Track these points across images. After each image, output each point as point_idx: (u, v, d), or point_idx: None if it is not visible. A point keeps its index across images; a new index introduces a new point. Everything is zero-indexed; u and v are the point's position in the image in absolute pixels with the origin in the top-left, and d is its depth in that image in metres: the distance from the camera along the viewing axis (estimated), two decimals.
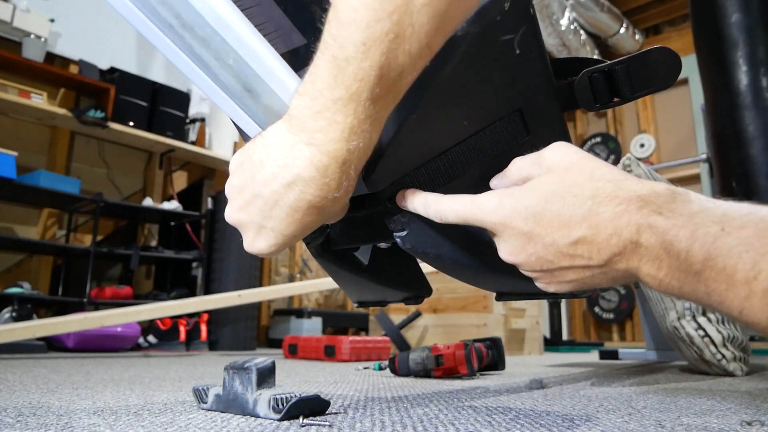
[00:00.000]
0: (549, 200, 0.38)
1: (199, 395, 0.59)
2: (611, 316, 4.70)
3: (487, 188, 0.50)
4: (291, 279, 3.66)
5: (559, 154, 0.40)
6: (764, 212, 0.34)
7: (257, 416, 0.51)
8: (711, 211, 0.35)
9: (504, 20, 0.46)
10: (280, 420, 0.50)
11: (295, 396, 0.51)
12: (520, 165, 0.42)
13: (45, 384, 0.88)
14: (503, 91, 0.48)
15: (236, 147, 3.40)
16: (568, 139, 0.51)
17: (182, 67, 0.46)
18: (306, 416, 0.51)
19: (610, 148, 4.92)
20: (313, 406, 0.53)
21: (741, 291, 0.32)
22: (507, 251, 0.41)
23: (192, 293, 2.95)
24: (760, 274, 0.31)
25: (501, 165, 0.50)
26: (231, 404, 0.54)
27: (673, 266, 0.35)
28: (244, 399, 0.53)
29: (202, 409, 0.58)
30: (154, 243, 3.17)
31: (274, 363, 0.54)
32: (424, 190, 0.47)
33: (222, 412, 0.56)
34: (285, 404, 0.50)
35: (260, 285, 3.22)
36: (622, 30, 4.57)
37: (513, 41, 0.47)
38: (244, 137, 0.53)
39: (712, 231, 0.33)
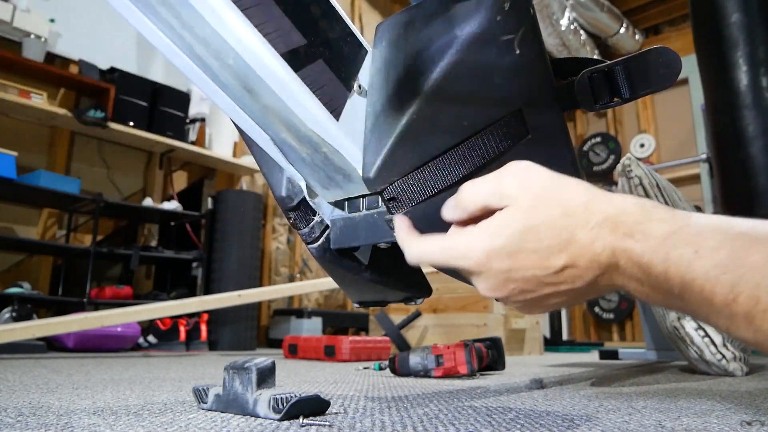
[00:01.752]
0: (523, 237, 0.37)
1: (199, 395, 0.59)
2: (611, 316, 4.70)
3: None
4: (291, 279, 3.66)
5: (519, 183, 0.38)
6: (738, 228, 0.33)
7: (257, 416, 0.51)
8: (683, 231, 0.34)
9: (504, 20, 0.46)
10: (280, 420, 0.50)
11: (295, 396, 0.51)
12: (474, 193, 0.40)
13: (45, 384, 0.88)
14: (503, 91, 0.48)
15: (236, 147, 3.40)
16: (568, 140, 0.51)
17: (182, 67, 0.46)
18: (306, 416, 0.51)
19: (610, 148, 4.92)
20: (313, 406, 0.53)
21: (723, 313, 0.32)
22: (486, 289, 0.39)
23: (192, 293, 2.95)
24: (739, 296, 0.31)
25: (501, 165, 0.50)
26: (231, 404, 0.55)
27: (655, 286, 0.35)
28: (244, 399, 0.53)
29: (202, 409, 0.58)
30: (154, 243, 3.17)
31: (274, 363, 0.54)
32: (425, 191, 0.47)
33: (222, 412, 0.56)
34: (285, 404, 0.50)
35: (260, 285, 3.23)
36: (622, 30, 4.57)
37: (513, 41, 0.47)
38: (244, 137, 0.53)
39: (686, 254, 0.33)
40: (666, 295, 0.34)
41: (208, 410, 0.57)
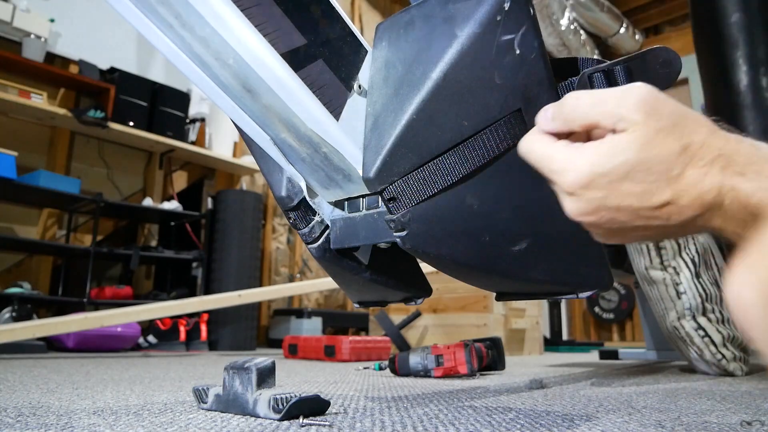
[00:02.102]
0: (633, 168, 0.34)
1: (199, 395, 0.59)
2: (611, 316, 4.70)
3: (488, 189, 0.50)
4: (291, 279, 3.66)
5: (646, 108, 0.35)
6: None
7: (257, 416, 0.51)
8: None
9: (504, 20, 0.46)
10: (280, 420, 0.50)
11: (295, 396, 0.51)
12: (587, 105, 0.37)
13: (45, 384, 0.88)
14: (503, 91, 0.48)
15: (236, 147, 3.40)
16: None
17: (182, 67, 0.46)
18: (306, 416, 0.51)
19: None
20: (313, 406, 0.53)
21: None
22: (576, 211, 0.37)
23: (192, 293, 2.95)
24: None
25: (501, 165, 0.50)
26: (231, 404, 0.55)
27: (759, 229, 0.32)
28: (244, 399, 0.53)
29: (202, 409, 0.58)
30: (154, 243, 3.17)
31: (274, 363, 0.54)
32: (425, 191, 0.47)
33: (222, 412, 0.56)
34: (285, 404, 0.50)
35: (260, 285, 3.23)
36: (622, 30, 4.57)
37: (513, 41, 0.47)
38: (244, 137, 0.53)
39: None
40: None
41: (208, 410, 0.57)
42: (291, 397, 0.50)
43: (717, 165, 0.34)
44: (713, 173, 0.34)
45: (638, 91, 0.36)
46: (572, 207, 0.37)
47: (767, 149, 0.35)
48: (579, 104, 0.37)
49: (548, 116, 0.39)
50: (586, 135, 0.38)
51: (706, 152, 0.34)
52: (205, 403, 0.58)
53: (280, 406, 0.50)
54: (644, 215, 0.36)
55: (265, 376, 0.53)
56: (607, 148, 0.35)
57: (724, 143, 0.34)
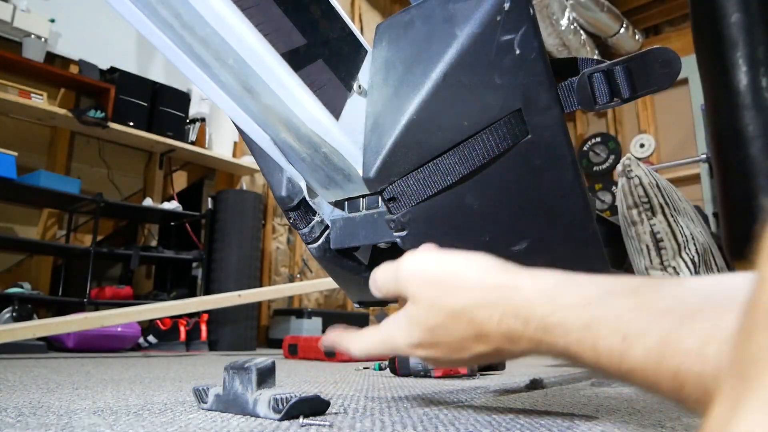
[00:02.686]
0: (433, 333, 0.39)
1: (199, 395, 0.59)
2: None
3: (488, 189, 0.50)
4: (291, 279, 3.66)
5: (414, 278, 0.40)
6: (660, 304, 0.30)
7: (257, 416, 0.51)
8: (602, 316, 0.31)
9: (504, 20, 0.46)
10: (280, 420, 0.50)
11: (295, 396, 0.51)
12: (384, 280, 0.43)
13: (45, 384, 0.88)
14: (503, 91, 0.48)
15: (236, 147, 3.40)
16: (568, 140, 0.51)
17: (182, 67, 0.46)
18: (306, 416, 0.51)
19: (610, 148, 4.92)
20: (313, 406, 0.53)
21: (673, 398, 0.29)
22: (425, 359, 0.42)
23: (192, 293, 2.95)
24: (685, 385, 0.28)
25: (501, 165, 0.50)
26: (231, 404, 0.55)
27: (593, 369, 0.33)
28: (244, 399, 0.53)
29: (203, 409, 0.58)
30: (154, 243, 3.17)
31: (274, 363, 0.54)
32: (425, 191, 0.47)
33: (222, 412, 0.56)
34: (285, 404, 0.50)
35: (260, 285, 3.22)
36: (622, 30, 4.57)
37: (513, 41, 0.47)
38: (244, 137, 0.53)
39: (615, 345, 0.30)
40: (606, 375, 0.33)
41: (209, 410, 0.57)
42: (291, 397, 0.50)
43: (515, 323, 0.35)
44: (516, 329, 0.35)
45: (404, 263, 0.41)
46: (421, 357, 0.42)
47: (552, 284, 0.35)
48: (382, 277, 0.43)
49: (372, 285, 0.44)
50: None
51: (493, 308, 0.36)
52: (206, 403, 0.58)
53: (280, 406, 0.50)
54: (476, 358, 0.39)
55: (265, 376, 0.53)
56: (405, 322, 0.41)
57: (511, 296, 0.36)
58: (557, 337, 0.33)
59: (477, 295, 0.37)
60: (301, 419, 0.51)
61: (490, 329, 0.37)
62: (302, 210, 0.55)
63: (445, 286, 0.39)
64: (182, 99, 3.08)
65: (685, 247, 1.23)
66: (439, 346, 0.40)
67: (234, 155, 3.37)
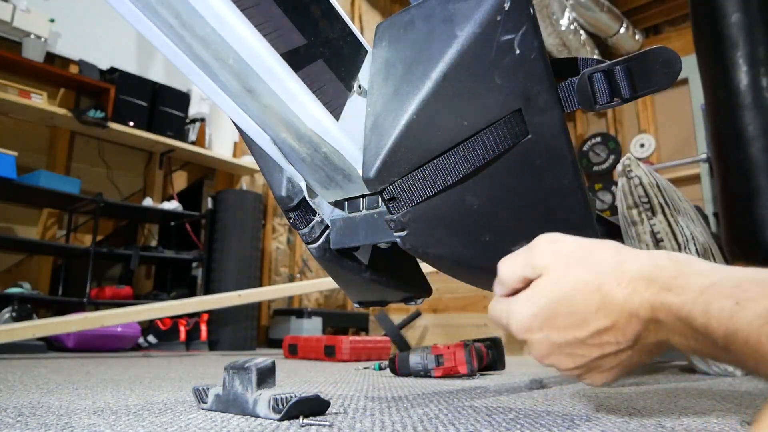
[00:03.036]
0: (557, 303, 0.38)
1: (199, 395, 0.59)
2: None
3: (488, 189, 0.50)
4: (291, 279, 3.66)
5: (549, 252, 0.40)
6: None
7: (257, 416, 0.51)
8: (722, 283, 0.33)
9: (504, 20, 0.46)
10: (280, 420, 0.50)
11: (295, 396, 0.51)
12: (510, 268, 0.42)
13: (45, 384, 0.88)
14: (503, 91, 0.48)
15: (236, 147, 3.40)
16: (568, 140, 0.51)
17: (182, 67, 0.46)
18: (306, 416, 0.51)
19: (610, 148, 4.92)
20: (313, 406, 0.53)
21: None
22: (538, 356, 0.41)
23: (192, 293, 2.95)
24: None
25: (501, 165, 0.50)
26: (231, 404, 0.54)
27: (698, 339, 0.34)
28: (244, 399, 0.53)
29: (202, 409, 0.58)
30: (154, 243, 3.17)
31: (274, 363, 0.54)
32: (425, 191, 0.47)
33: (222, 412, 0.56)
34: (285, 404, 0.50)
35: (260, 285, 3.23)
36: (622, 30, 4.57)
37: (513, 41, 0.47)
38: (244, 137, 0.53)
39: (727, 306, 0.32)
40: (711, 347, 0.34)
41: (208, 410, 0.57)
42: (291, 397, 0.50)
43: (641, 284, 0.36)
44: (639, 291, 0.36)
45: (541, 239, 0.41)
46: (534, 353, 0.41)
47: (684, 258, 0.37)
48: (509, 267, 0.42)
49: (496, 284, 0.43)
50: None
51: (623, 275, 0.37)
52: (205, 403, 0.58)
53: (280, 407, 0.50)
54: (592, 343, 0.38)
55: (265, 376, 0.53)
56: (530, 294, 0.40)
57: (639, 263, 0.37)
58: (675, 296, 0.34)
59: (609, 264, 0.38)
60: (301, 419, 0.51)
61: (614, 296, 0.36)
62: (302, 210, 0.55)
63: (579, 256, 0.39)
64: (182, 99, 3.08)
65: (685, 247, 1.23)
66: (557, 319, 0.38)
67: (234, 155, 3.37)
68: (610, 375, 0.41)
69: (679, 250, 1.24)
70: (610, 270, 0.37)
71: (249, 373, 0.52)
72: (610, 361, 0.40)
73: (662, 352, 0.40)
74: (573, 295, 0.38)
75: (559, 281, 0.39)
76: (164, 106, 2.97)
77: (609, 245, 0.39)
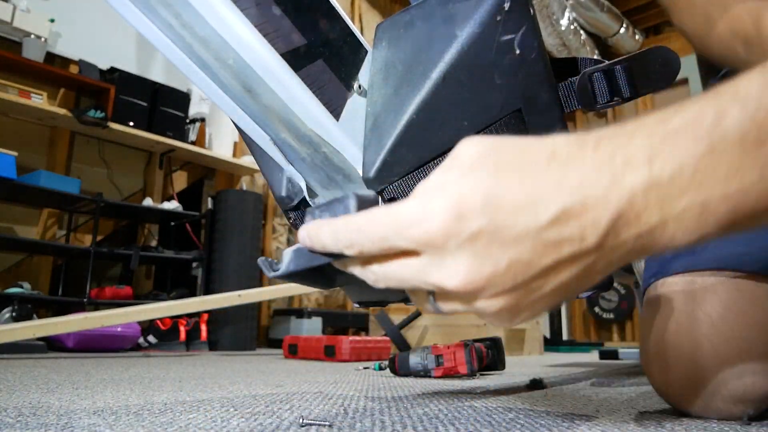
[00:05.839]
0: (500, 174, 0.26)
1: (268, 264, 0.43)
2: (611, 315, 4.70)
3: None
4: None
5: (475, 141, 0.28)
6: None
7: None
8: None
9: (504, 20, 0.46)
10: None
11: None
12: (432, 179, 0.28)
13: (45, 384, 0.88)
14: (503, 91, 0.48)
15: (236, 147, 3.40)
16: None
17: (182, 67, 0.46)
18: None
19: None
20: None
21: None
22: (462, 272, 0.26)
23: (192, 293, 2.94)
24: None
25: None
26: (319, 253, 0.36)
27: (734, 152, 0.24)
28: None
29: (274, 276, 0.43)
30: (154, 243, 3.17)
31: (377, 197, 0.42)
32: None
33: (304, 271, 0.40)
34: None
35: (260, 285, 3.23)
36: (622, 30, 4.57)
37: (513, 41, 0.47)
38: (244, 137, 0.53)
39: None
40: (741, 161, 0.24)
41: (285, 276, 0.42)
42: None
43: (617, 161, 0.26)
44: (622, 145, 0.26)
45: (462, 141, 0.29)
46: (456, 270, 0.26)
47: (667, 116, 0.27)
48: (421, 187, 0.29)
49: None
50: None
51: (588, 139, 0.27)
52: (278, 269, 0.42)
53: None
54: (548, 240, 0.25)
55: (367, 205, 0.37)
56: (459, 163, 0.27)
57: (602, 131, 0.27)
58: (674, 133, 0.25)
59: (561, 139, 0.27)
60: (301, 419, 0.50)
61: (577, 163, 0.26)
62: (302, 210, 0.55)
63: (521, 138, 0.28)
64: (182, 99, 3.08)
65: None
66: (503, 198, 0.25)
67: (234, 155, 3.37)
68: (544, 305, 0.28)
69: None
70: (562, 139, 0.27)
71: (346, 202, 0.38)
72: (558, 277, 0.27)
73: (619, 271, 0.29)
74: (520, 163, 0.26)
75: (499, 151, 0.27)
76: (164, 106, 2.97)
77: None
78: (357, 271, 0.31)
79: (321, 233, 0.31)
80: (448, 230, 0.25)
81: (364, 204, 0.36)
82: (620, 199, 0.25)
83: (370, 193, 0.39)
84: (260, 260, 0.44)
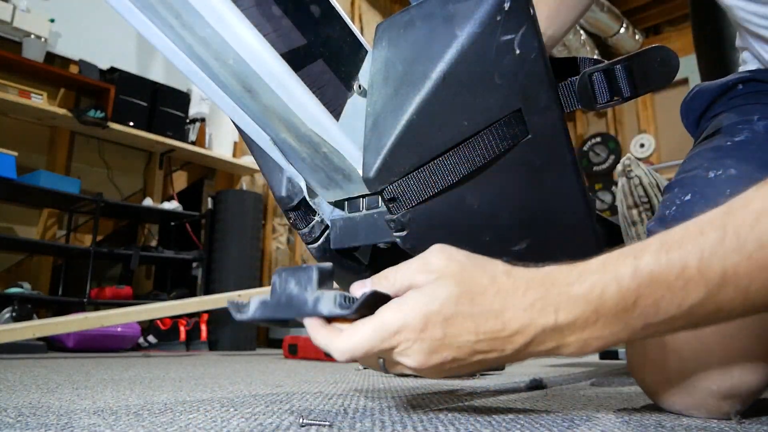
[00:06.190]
0: (458, 302, 0.38)
1: (236, 306, 0.48)
2: None
3: (488, 189, 0.50)
4: None
5: (445, 257, 0.40)
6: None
7: (320, 315, 0.43)
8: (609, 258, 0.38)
9: (504, 20, 0.46)
10: (351, 315, 0.41)
11: (368, 292, 0.42)
12: (404, 273, 0.41)
13: (45, 384, 0.88)
14: (503, 91, 0.48)
15: (236, 147, 3.40)
16: (568, 140, 0.51)
17: (182, 67, 0.46)
18: (373, 310, 0.43)
19: (610, 148, 4.92)
20: (383, 301, 0.43)
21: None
22: (419, 360, 0.39)
23: (192, 293, 2.94)
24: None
25: (501, 165, 0.50)
26: (282, 308, 0.44)
27: (609, 315, 0.37)
28: (301, 299, 0.43)
29: (240, 320, 0.47)
30: (154, 243, 3.17)
31: (333, 267, 0.46)
32: (425, 191, 0.47)
33: (268, 319, 0.46)
34: (354, 301, 0.42)
35: (260, 285, 3.23)
36: (622, 30, 4.57)
37: (513, 41, 0.47)
38: (244, 137, 0.53)
39: (629, 262, 0.37)
40: (618, 316, 0.37)
41: (249, 320, 0.47)
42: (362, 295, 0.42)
43: (543, 287, 0.38)
44: (543, 295, 0.38)
45: (433, 247, 0.41)
46: (416, 358, 0.39)
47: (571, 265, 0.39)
48: (401, 271, 0.41)
49: (379, 281, 0.42)
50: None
51: (521, 281, 0.39)
52: (244, 312, 0.47)
53: (348, 303, 0.42)
54: (480, 349, 0.39)
55: (326, 278, 0.44)
56: (430, 290, 0.38)
57: (535, 272, 0.39)
58: (578, 286, 0.38)
59: (502, 269, 0.40)
60: (300, 419, 0.50)
61: (513, 301, 0.38)
62: (302, 210, 0.55)
63: (478, 261, 0.40)
64: (182, 99, 3.08)
65: None
66: (456, 319, 0.38)
67: (234, 155, 3.37)
68: (465, 371, 0.41)
69: None
70: (506, 277, 0.39)
71: (309, 272, 0.44)
72: (479, 365, 0.40)
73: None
74: (473, 296, 0.38)
75: (458, 282, 0.39)
76: (164, 106, 2.97)
77: (497, 262, 0.41)
78: (322, 345, 0.43)
79: (321, 337, 0.42)
80: (417, 336, 0.38)
81: (323, 276, 0.44)
82: (534, 332, 0.38)
83: (328, 265, 0.45)
84: (228, 302, 0.49)
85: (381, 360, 0.42)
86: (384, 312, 0.39)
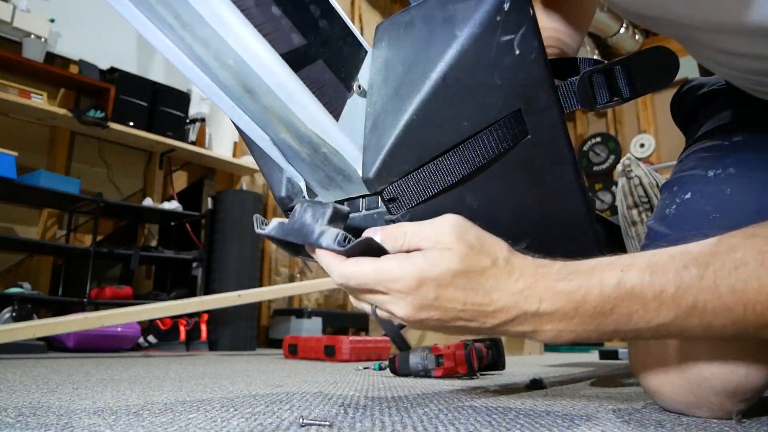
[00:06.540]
0: (455, 276, 0.41)
1: (259, 221, 0.54)
2: None
3: (488, 190, 0.50)
4: (291, 279, 3.66)
5: (456, 235, 0.42)
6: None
7: (319, 246, 0.47)
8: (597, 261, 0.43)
9: (504, 21, 0.46)
10: (343, 253, 0.46)
11: (362, 239, 0.46)
12: (416, 236, 0.43)
13: (45, 384, 0.88)
14: (503, 91, 0.48)
15: (236, 147, 3.40)
16: (568, 140, 0.51)
17: (182, 67, 0.46)
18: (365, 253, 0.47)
19: (610, 148, 4.92)
20: (377, 252, 0.47)
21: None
22: (408, 311, 0.43)
23: (192, 293, 2.95)
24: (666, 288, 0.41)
25: (501, 165, 0.50)
26: (294, 232, 0.50)
27: (586, 315, 0.42)
28: (310, 229, 0.48)
29: (259, 233, 0.53)
30: (154, 243, 3.17)
31: (348, 212, 0.50)
32: (425, 191, 0.47)
33: (280, 238, 0.51)
34: (351, 241, 0.45)
35: (260, 285, 3.23)
36: (622, 30, 4.57)
37: (513, 41, 0.47)
38: (244, 137, 0.53)
39: (615, 274, 0.41)
40: (592, 318, 0.42)
41: (265, 236, 0.52)
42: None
43: (524, 294, 0.42)
44: (533, 284, 0.42)
45: (448, 220, 0.44)
46: (405, 308, 0.43)
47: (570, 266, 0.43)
48: (414, 230, 0.44)
49: (389, 235, 0.45)
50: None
51: (516, 267, 0.43)
52: (264, 229, 0.53)
53: (346, 242, 0.45)
54: (464, 317, 0.43)
55: (338, 218, 0.48)
56: (434, 256, 0.42)
57: (532, 260, 0.43)
58: (566, 284, 0.43)
59: (506, 256, 0.44)
60: (300, 419, 0.51)
61: (504, 285, 0.42)
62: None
63: (486, 243, 0.43)
64: (182, 99, 3.08)
65: None
66: (448, 288, 0.42)
67: (234, 155, 3.37)
68: (450, 333, 0.46)
69: None
70: (503, 261, 0.43)
71: (325, 207, 0.49)
72: (461, 329, 0.44)
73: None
74: (470, 276, 0.41)
75: (462, 260, 0.42)
76: (164, 106, 2.97)
77: (501, 241, 0.45)
78: (325, 264, 0.46)
79: (326, 259, 0.46)
80: (410, 290, 0.42)
81: (336, 215, 0.48)
82: (516, 313, 0.42)
83: (345, 208, 0.49)
84: (255, 216, 0.54)
85: (373, 306, 0.46)
86: (389, 260, 0.43)
